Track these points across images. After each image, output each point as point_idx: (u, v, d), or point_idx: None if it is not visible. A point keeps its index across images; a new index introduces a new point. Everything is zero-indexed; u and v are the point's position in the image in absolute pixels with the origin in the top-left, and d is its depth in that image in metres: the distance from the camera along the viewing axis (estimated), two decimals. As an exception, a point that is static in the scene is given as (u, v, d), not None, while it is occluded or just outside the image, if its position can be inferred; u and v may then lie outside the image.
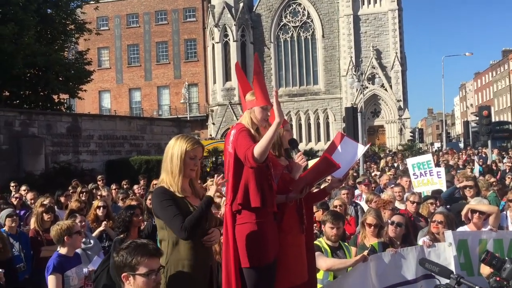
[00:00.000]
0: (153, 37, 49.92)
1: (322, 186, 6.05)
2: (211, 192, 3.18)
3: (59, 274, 4.29)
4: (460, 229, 5.44)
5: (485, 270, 3.25)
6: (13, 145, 15.00)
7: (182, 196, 3.12)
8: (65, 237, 4.45)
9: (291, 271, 3.69)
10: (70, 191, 9.79)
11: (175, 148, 3.17)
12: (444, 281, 3.02)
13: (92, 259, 5.33)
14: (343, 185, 8.04)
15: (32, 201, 8.76)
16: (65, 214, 6.95)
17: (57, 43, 22.43)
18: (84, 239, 5.64)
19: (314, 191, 4.66)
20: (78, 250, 5.15)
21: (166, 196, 3.09)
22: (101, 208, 6.62)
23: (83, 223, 5.75)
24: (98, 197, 8.67)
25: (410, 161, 9.43)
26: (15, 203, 8.44)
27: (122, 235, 4.95)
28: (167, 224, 3.07)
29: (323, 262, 4.33)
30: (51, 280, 4.27)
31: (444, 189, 8.65)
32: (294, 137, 4.07)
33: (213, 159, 23.55)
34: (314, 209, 6.44)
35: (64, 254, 4.46)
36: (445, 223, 5.04)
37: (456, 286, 2.90)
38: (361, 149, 4.07)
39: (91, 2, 24.59)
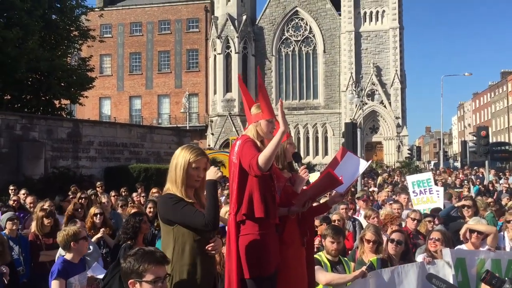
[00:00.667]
0: (156, 46, 50.18)
1: (322, 201, 6.10)
2: (211, 174, 3.20)
3: (63, 279, 4.28)
4: (458, 247, 5.48)
5: (485, 289, 3.29)
6: (13, 149, 15.00)
7: (191, 202, 3.16)
8: (72, 243, 4.44)
9: (291, 283, 3.73)
10: (70, 197, 9.81)
11: (179, 158, 3.21)
12: None
13: (91, 265, 5.34)
14: (343, 200, 8.09)
15: (32, 205, 8.76)
16: (64, 219, 6.97)
17: (61, 49, 22.53)
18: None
19: (315, 205, 4.71)
20: None
21: (176, 199, 3.13)
22: (98, 216, 6.62)
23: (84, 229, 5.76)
24: (98, 204, 8.66)
25: (410, 179, 9.44)
26: (13, 205, 8.43)
27: (129, 242, 4.96)
28: (187, 223, 3.08)
29: (323, 276, 4.35)
30: (54, 285, 4.26)
31: (442, 208, 8.68)
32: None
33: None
34: (317, 223, 6.50)
35: (69, 260, 4.46)
36: (442, 240, 5.08)
37: None
38: (364, 164, 4.11)
39: (96, 9, 24.76)
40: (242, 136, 3.67)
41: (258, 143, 3.59)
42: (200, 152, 3.28)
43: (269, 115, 3.64)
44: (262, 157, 3.28)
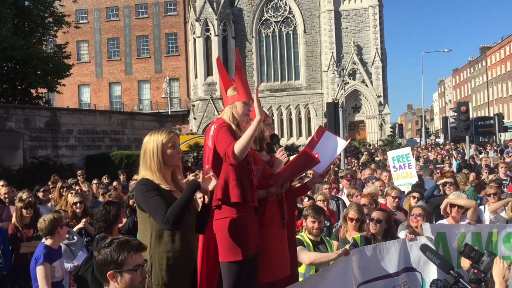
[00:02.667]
0: (134, 30, 49.35)
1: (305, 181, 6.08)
2: (208, 184, 3.10)
3: (48, 264, 4.27)
4: (439, 222, 5.54)
5: (465, 263, 3.30)
6: (-11, 140, 14.71)
7: (168, 189, 3.09)
8: (58, 228, 4.48)
9: (274, 265, 3.72)
10: (50, 186, 9.65)
11: (151, 143, 3.14)
12: (430, 275, 3.00)
13: (77, 255, 5.31)
14: (325, 179, 8.10)
15: (6, 195, 8.56)
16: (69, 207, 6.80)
17: (35, 36, 22.05)
18: (67, 235, 5.59)
19: (296, 185, 4.69)
20: (63, 246, 5.11)
21: (149, 186, 3.05)
22: (78, 204, 6.52)
23: (67, 220, 5.70)
24: (72, 192, 8.42)
25: (391, 154, 9.54)
26: None
27: (102, 233, 4.83)
28: (151, 215, 3.02)
29: (306, 256, 4.35)
30: (40, 270, 4.25)
31: (415, 179, 8.78)
32: (276, 132, 4.07)
33: (195, 154, 23.47)
34: (307, 203, 6.52)
35: (50, 245, 4.48)
36: (423, 215, 5.12)
37: (454, 285, 2.88)
38: (342, 143, 4.09)
39: (70, -6, 24.19)
40: (217, 119, 3.60)
41: (234, 127, 3.53)
42: (169, 130, 3.25)
43: (245, 97, 3.57)
44: (238, 146, 3.23)
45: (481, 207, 6.73)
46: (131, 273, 2.46)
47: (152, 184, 3.07)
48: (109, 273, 2.46)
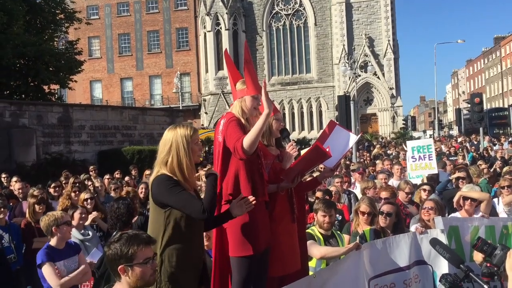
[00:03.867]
0: (144, 26, 49.48)
1: (314, 175, 6.04)
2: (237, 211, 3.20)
3: (49, 262, 4.26)
4: (452, 215, 5.47)
5: (478, 256, 3.26)
6: (3, 136, 14.86)
7: (185, 188, 3.09)
8: (53, 228, 4.40)
9: (284, 259, 3.71)
10: (63, 182, 9.73)
11: (178, 138, 3.08)
12: (441, 269, 2.96)
13: (91, 251, 5.29)
14: (337, 173, 8.05)
15: (20, 191, 8.66)
16: (60, 204, 6.87)
17: (47, 33, 22.21)
18: (82, 231, 5.60)
19: (307, 180, 4.66)
20: (77, 241, 5.10)
21: (173, 182, 3.04)
22: (89, 200, 6.55)
23: (84, 215, 5.69)
24: (90, 188, 8.57)
25: (410, 144, 9.37)
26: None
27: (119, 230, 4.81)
28: (181, 208, 3.02)
29: (317, 250, 4.33)
30: (45, 270, 4.26)
31: (435, 171, 8.68)
32: (287, 125, 4.05)
33: (206, 148, 23.50)
34: (319, 194, 6.49)
35: (53, 245, 4.43)
36: (436, 209, 5.06)
37: (464, 279, 2.83)
38: (353, 138, 4.05)
39: (81, -10, 24.29)
40: (227, 114, 3.58)
41: (243, 121, 3.51)
42: (192, 126, 3.25)
43: (254, 91, 3.55)
44: (246, 141, 3.22)
45: (495, 200, 6.64)
46: (142, 266, 2.49)
47: (174, 180, 3.06)
48: (120, 267, 2.49)
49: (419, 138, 37.62)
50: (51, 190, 8.08)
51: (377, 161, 12.83)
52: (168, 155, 3.07)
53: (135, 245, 2.49)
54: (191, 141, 3.09)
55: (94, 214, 6.25)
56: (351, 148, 15.39)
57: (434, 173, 8.66)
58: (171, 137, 3.09)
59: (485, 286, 2.83)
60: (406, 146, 10.31)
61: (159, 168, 3.11)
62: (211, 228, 3.39)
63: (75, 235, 5.35)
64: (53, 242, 4.45)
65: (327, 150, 3.58)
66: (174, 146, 3.07)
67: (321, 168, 5.14)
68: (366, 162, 15.34)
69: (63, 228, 4.44)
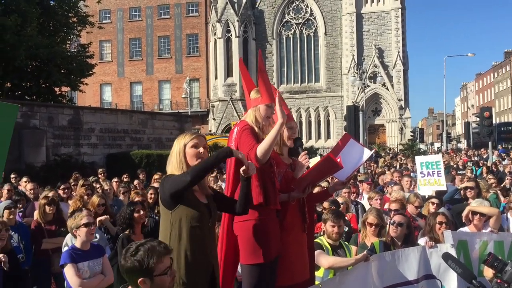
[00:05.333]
0: (155, 31, 49.82)
1: (323, 185, 6.05)
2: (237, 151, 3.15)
3: (71, 264, 4.35)
4: (461, 230, 5.46)
5: (488, 272, 3.24)
6: (14, 137, 14.77)
7: (192, 189, 3.13)
8: (74, 230, 4.55)
9: (293, 269, 3.72)
10: (72, 184, 9.80)
11: (176, 145, 3.23)
12: (450, 283, 2.93)
13: None
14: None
15: (32, 191, 8.73)
16: (70, 207, 6.92)
17: (60, 36, 22.43)
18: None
19: (316, 191, 4.68)
20: None
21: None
22: (100, 206, 6.60)
23: (90, 216, 5.75)
24: (99, 190, 8.62)
25: (419, 159, 9.35)
26: (6, 195, 8.24)
27: (127, 232, 4.94)
28: (173, 184, 3.05)
29: (325, 260, 4.34)
30: (66, 271, 4.40)
31: (444, 188, 8.64)
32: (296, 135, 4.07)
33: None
34: (326, 205, 6.49)
35: (77, 246, 4.56)
36: (445, 223, 5.06)
37: None
38: (367, 153, 4.05)
39: (94, -5, 24.56)
40: (240, 122, 3.62)
41: (257, 129, 3.54)
42: (194, 132, 3.32)
43: (268, 100, 3.58)
44: (260, 149, 3.26)
45: (504, 215, 6.62)
46: (162, 276, 2.50)
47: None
48: (139, 280, 2.48)
49: (425, 151, 37.50)
50: (60, 192, 8.14)
51: (386, 172, 12.81)
52: (170, 159, 3.24)
53: (154, 257, 2.48)
54: (185, 146, 3.18)
55: (103, 217, 6.29)
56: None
57: (444, 189, 8.62)
58: (174, 145, 3.26)
59: None
60: (414, 159, 10.28)
61: (170, 171, 3.24)
62: (244, 207, 3.30)
63: None
64: (78, 243, 4.58)
65: (339, 161, 3.60)
66: (173, 153, 3.22)
67: (333, 178, 5.15)
68: (373, 173, 15.31)
69: (81, 230, 4.53)
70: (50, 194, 6.66)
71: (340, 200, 7.03)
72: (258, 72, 3.72)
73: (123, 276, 2.61)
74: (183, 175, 3.02)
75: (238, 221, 3.47)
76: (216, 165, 3.15)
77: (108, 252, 5.39)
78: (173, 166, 3.21)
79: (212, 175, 10.29)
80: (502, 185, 9.91)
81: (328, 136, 46.34)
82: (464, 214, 5.48)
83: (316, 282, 4.07)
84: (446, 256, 3.14)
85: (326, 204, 6.75)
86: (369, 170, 16.50)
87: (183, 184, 3.00)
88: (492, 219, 5.31)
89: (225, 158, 3.15)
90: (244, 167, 3.09)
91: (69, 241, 5.19)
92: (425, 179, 8.67)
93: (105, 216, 6.31)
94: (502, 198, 8.78)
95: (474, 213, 5.31)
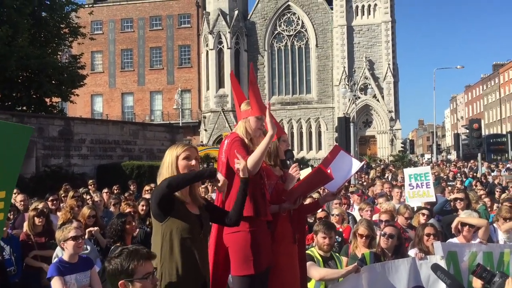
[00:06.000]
0: (147, 42, 49.92)
1: (315, 196, 6.06)
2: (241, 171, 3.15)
3: (58, 276, 4.30)
4: (450, 241, 5.49)
5: (477, 283, 3.28)
6: (4, 148, 14.86)
7: (182, 201, 3.14)
8: (61, 243, 4.49)
9: (284, 280, 3.72)
10: (62, 195, 9.72)
11: (167, 157, 3.22)
12: None
13: None
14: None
15: (22, 203, 8.66)
16: (60, 219, 6.88)
17: (51, 46, 22.38)
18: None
19: (307, 202, 4.70)
20: None
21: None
22: (91, 217, 6.56)
23: (79, 229, 5.71)
24: (89, 202, 8.57)
25: (407, 171, 9.38)
26: None
27: (118, 244, 4.92)
28: (157, 191, 3.05)
29: (316, 272, 4.35)
30: (53, 284, 4.33)
31: (433, 199, 8.68)
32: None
33: (205, 165, 23.52)
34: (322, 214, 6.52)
35: (65, 259, 4.50)
36: (434, 234, 5.10)
37: None
38: (357, 165, 4.09)
39: (86, 6, 24.58)
40: (231, 134, 3.65)
41: (247, 141, 3.57)
42: (185, 144, 3.31)
43: (258, 112, 3.62)
44: (250, 161, 3.28)
45: (492, 226, 6.66)
46: (142, 281, 2.52)
47: None
48: (120, 282, 2.51)
49: (415, 162, 37.71)
50: (49, 203, 8.08)
51: (377, 182, 12.86)
52: (161, 171, 3.22)
53: (135, 260, 2.52)
54: (177, 158, 3.17)
55: (94, 228, 6.24)
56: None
57: (433, 201, 8.67)
58: (165, 156, 3.25)
59: None
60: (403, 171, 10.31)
61: (152, 187, 3.23)
62: (237, 216, 3.26)
63: None
64: (65, 256, 4.52)
65: (329, 172, 3.63)
66: (164, 164, 3.21)
67: (323, 189, 5.18)
68: (364, 184, 15.38)
69: (70, 243, 4.49)
70: (40, 205, 6.61)
71: (335, 211, 7.05)
72: (249, 85, 3.76)
73: (108, 281, 2.62)
74: (163, 182, 3.02)
75: (228, 233, 3.48)
76: (196, 181, 3.14)
77: (99, 265, 5.34)
78: (164, 178, 3.22)
79: (202, 186, 10.26)
80: (491, 197, 9.97)
81: (319, 147, 46.50)
82: (453, 225, 5.51)
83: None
84: (435, 267, 3.17)
85: (321, 214, 6.77)
86: (359, 182, 16.57)
87: (162, 191, 3.00)
88: (481, 230, 5.34)
89: (207, 178, 3.13)
90: (220, 184, 3.11)
91: (59, 253, 5.15)
92: (414, 191, 8.69)
93: (96, 228, 6.26)
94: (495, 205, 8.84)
95: (463, 224, 5.34)
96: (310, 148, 47.02)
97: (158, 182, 3.24)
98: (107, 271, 2.58)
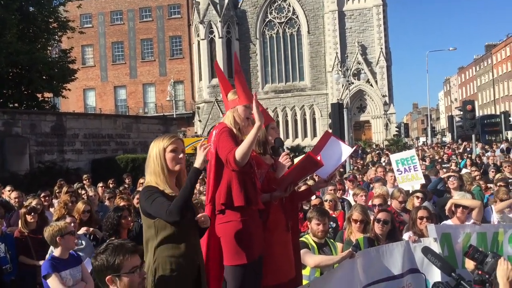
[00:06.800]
0: (138, 34, 49.56)
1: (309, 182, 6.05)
2: (198, 161, 3.10)
3: (54, 273, 4.30)
4: (444, 223, 5.51)
5: (470, 264, 3.29)
6: (-3, 145, 14.79)
7: (172, 194, 3.11)
8: (57, 238, 4.47)
9: (278, 268, 3.72)
10: (56, 191, 9.68)
11: (154, 149, 3.20)
12: (434, 277, 2.97)
13: (84, 261, 5.30)
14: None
15: (17, 200, 8.62)
16: (55, 215, 6.84)
17: (40, 42, 22.18)
18: (76, 240, 5.59)
19: (300, 189, 4.69)
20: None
21: (153, 191, 3.10)
22: (86, 212, 6.53)
23: (73, 224, 5.68)
24: (84, 197, 8.54)
25: (394, 157, 9.40)
26: None
27: (113, 238, 4.89)
28: (156, 215, 3.04)
29: (311, 259, 4.35)
30: (51, 281, 4.32)
31: (422, 181, 8.70)
32: (281, 133, 4.08)
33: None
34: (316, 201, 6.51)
35: (57, 256, 4.49)
36: (428, 217, 5.12)
37: (456, 287, 2.85)
38: (348, 150, 4.07)
39: (74, 0, 24.31)
40: (219, 124, 3.63)
41: (235, 131, 3.54)
42: (172, 136, 3.29)
43: (245, 101, 3.60)
44: (239, 152, 3.27)
45: (488, 207, 6.69)
46: (129, 275, 2.52)
47: (155, 188, 3.12)
48: (107, 278, 2.51)
49: (410, 146, 37.77)
50: (42, 200, 8.04)
51: (371, 168, 12.88)
52: (148, 163, 3.21)
53: (121, 255, 2.52)
54: (163, 150, 3.15)
55: (91, 229, 6.18)
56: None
57: (422, 183, 8.69)
58: (150, 147, 3.23)
59: None
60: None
61: (148, 178, 3.22)
62: (180, 201, 3.08)
63: None
64: (57, 252, 4.52)
65: (319, 159, 3.61)
66: (151, 156, 3.19)
67: (316, 176, 5.17)
68: (360, 169, 15.38)
69: (67, 238, 4.50)
70: (34, 202, 6.57)
71: (328, 197, 7.05)
72: (235, 74, 3.73)
73: (96, 278, 2.61)
74: (169, 214, 2.96)
75: (220, 223, 3.47)
76: (194, 188, 3.13)
77: None
78: (152, 170, 3.18)
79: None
80: (485, 178, 10.01)
81: (314, 134, 46.50)
82: (447, 207, 5.54)
83: (304, 282, 4.08)
84: (426, 250, 3.18)
85: (316, 202, 6.78)
86: (356, 167, 16.59)
87: (172, 221, 2.99)
88: (475, 211, 5.37)
89: (198, 178, 3.12)
90: (201, 217, 3.13)
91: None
92: (403, 176, 8.73)
93: (91, 229, 6.22)
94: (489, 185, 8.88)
95: (456, 205, 5.37)
96: (305, 136, 47.02)
97: (146, 174, 3.21)
98: (93, 267, 2.58)
